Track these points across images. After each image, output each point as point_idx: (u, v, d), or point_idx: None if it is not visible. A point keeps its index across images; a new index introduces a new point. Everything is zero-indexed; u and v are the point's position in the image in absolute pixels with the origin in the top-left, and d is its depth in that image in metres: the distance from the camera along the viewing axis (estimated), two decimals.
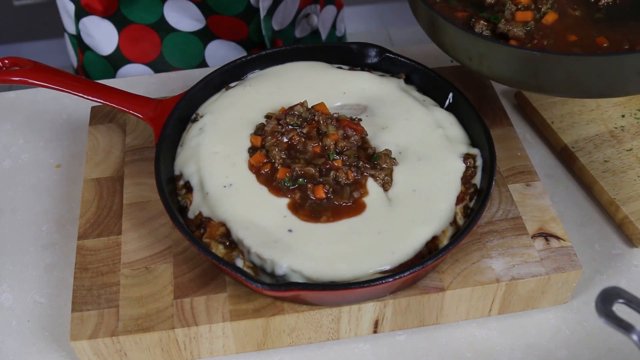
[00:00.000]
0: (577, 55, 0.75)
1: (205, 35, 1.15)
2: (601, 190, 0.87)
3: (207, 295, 0.73)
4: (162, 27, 1.13)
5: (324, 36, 1.26)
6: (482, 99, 0.94)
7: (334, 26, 1.29)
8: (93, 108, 0.93)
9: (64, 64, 2.73)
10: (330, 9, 1.26)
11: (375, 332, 0.76)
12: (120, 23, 1.12)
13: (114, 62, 1.17)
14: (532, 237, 0.78)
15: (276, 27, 1.16)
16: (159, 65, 1.17)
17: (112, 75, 1.18)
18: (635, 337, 0.55)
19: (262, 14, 1.12)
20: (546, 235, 0.78)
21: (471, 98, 0.93)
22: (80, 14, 1.14)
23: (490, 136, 0.80)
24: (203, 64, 1.17)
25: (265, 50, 0.91)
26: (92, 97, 0.84)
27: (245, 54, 1.18)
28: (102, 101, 0.84)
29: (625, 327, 0.55)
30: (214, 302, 0.72)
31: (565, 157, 0.93)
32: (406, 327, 0.76)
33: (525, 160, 0.86)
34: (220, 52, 1.17)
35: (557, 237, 0.78)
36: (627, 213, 0.84)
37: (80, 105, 1.01)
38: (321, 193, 0.75)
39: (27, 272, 0.83)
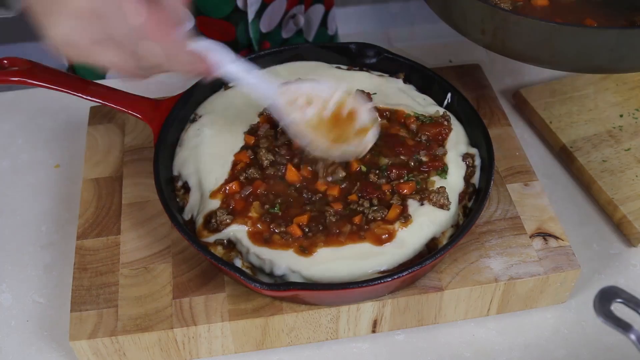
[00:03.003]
0: (596, 28, 0.76)
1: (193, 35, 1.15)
2: (599, 189, 0.87)
3: (206, 295, 0.73)
4: None
5: (311, 36, 1.26)
6: (481, 98, 0.94)
7: (324, 25, 1.29)
8: (92, 108, 0.94)
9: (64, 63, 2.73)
10: (318, 8, 1.25)
11: (374, 331, 0.76)
12: None
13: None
14: (530, 237, 0.78)
15: (264, 30, 1.16)
16: None
17: (102, 75, 1.18)
18: (633, 336, 0.55)
19: (250, 17, 1.12)
20: (544, 235, 0.78)
21: (470, 98, 0.93)
22: None
23: (488, 136, 0.80)
24: None
25: (265, 50, 0.91)
26: (91, 97, 0.83)
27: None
28: (100, 101, 0.84)
29: (623, 326, 0.55)
30: (212, 302, 0.72)
31: (564, 156, 0.93)
32: (405, 326, 0.77)
33: (524, 160, 0.86)
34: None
35: (556, 237, 0.78)
36: (625, 213, 0.84)
37: (79, 105, 1.00)
38: (297, 232, 0.73)
39: (27, 272, 0.83)
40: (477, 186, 0.79)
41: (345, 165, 0.77)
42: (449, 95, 0.86)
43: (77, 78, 0.85)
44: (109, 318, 0.72)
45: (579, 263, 0.76)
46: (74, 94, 0.83)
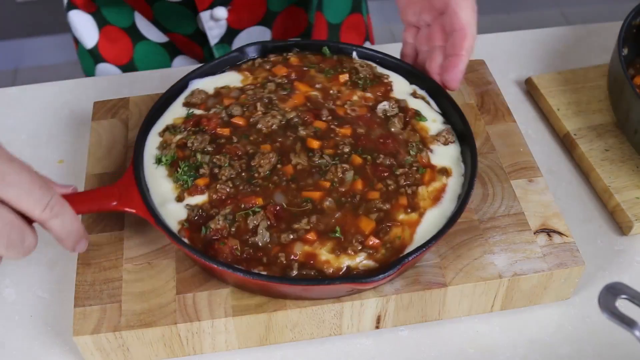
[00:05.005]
0: None
1: (171, 49, 1.15)
2: (597, 177, 0.88)
3: (209, 291, 0.73)
4: (134, 34, 1.14)
5: None
6: (485, 94, 0.94)
7: None
8: (96, 103, 0.93)
9: (66, 59, 2.73)
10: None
11: (377, 327, 0.76)
12: (100, 21, 1.14)
13: (95, 58, 1.18)
14: (534, 233, 0.78)
15: None
16: (129, 70, 1.18)
17: (93, 69, 1.20)
18: (637, 332, 0.55)
19: (213, 41, 1.11)
20: (549, 231, 0.78)
21: (474, 94, 0.93)
22: (68, 6, 1.17)
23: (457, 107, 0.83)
24: None
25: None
26: None
27: None
28: None
29: (628, 323, 0.55)
30: (216, 298, 0.72)
31: (567, 144, 0.94)
32: (408, 322, 0.77)
33: (528, 156, 0.86)
34: (186, 69, 1.17)
35: (560, 233, 0.78)
36: (619, 201, 0.85)
37: (82, 100, 1.01)
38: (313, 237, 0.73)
39: (30, 267, 0.83)
40: (440, 111, 0.85)
41: (347, 161, 0.78)
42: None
43: None
44: (112, 313, 0.72)
45: (583, 259, 0.76)
46: None
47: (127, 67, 1.17)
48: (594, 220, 0.87)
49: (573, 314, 0.78)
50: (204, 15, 1.08)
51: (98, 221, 0.80)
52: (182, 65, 1.17)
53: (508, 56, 1.08)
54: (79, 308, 0.72)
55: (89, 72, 1.22)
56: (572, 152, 0.93)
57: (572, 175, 0.92)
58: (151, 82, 1.04)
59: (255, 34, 1.14)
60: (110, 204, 0.74)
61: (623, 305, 0.56)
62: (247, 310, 0.71)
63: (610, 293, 0.57)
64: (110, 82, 1.05)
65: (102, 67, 1.18)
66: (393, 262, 0.68)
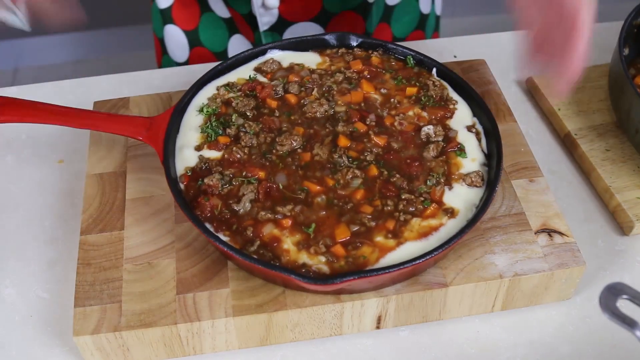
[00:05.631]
0: None
1: (231, 26, 1.16)
2: (598, 177, 0.88)
3: (209, 291, 0.73)
4: (203, 3, 1.16)
5: None
6: (486, 94, 0.94)
7: None
8: (96, 103, 0.93)
9: (66, 59, 2.72)
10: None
11: (378, 327, 0.76)
12: None
13: (164, 19, 1.21)
14: (535, 233, 0.78)
15: None
16: (192, 36, 1.20)
17: (161, 30, 1.22)
18: (638, 333, 0.55)
19: (262, 28, 1.12)
20: (549, 231, 0.78)
21: None
22: None
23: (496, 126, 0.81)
24: (224, 54, 1.20)
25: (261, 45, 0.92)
26: (82, 126, 0.82)
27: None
28: (92, 129, 0.83)
29: (629, 323, 0.55)
30: (216, 298, 0.72)
31: (568, 144, 0.94)
32: (409, 322, 0.76)
33: (529, 156, 0.86)
34: (239, 48, 1.18)
35: (561, 233, 0.78)
36: (620, 201, 0.85)
37: (82, 100, 1.01)
38: (341, 252, 0.72)
39: (30, 267, 0.83)
40: (486, 152, 0.81)
41: (363, 169, 0.78)
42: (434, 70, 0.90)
43: (64, 108, 0.83)
44: (112, 313, 0.72)
45: (584, 259, 0.76)
46: (63, 125, 0.82)
47: (192, 33, 1.19)
48: (595, 221, 0.87)
49: (574, 314, 0.78)
50: (256, 1, 1.09)
51: (98, 221, 0.80)
52: (237, 45, 1.19)
53: (509, 56, 1.08)
54: (79, 308, 0.72)
55: (158, 32, 1.24)
56: (573, 152, 0.93)
57: (572, 175, 0.92)
58: (151, 82, 1.04)
59: (309, 30, 1.14)
60: (137, 133, 0.81)
61: (624, 305, 0.56)
62: (247, 310, 0.71)
63: (611, 293, 0.57)
64: (110, 82, 1.05)
65: (169, 28, 1.20)
66: (340, 274, 0.68)
